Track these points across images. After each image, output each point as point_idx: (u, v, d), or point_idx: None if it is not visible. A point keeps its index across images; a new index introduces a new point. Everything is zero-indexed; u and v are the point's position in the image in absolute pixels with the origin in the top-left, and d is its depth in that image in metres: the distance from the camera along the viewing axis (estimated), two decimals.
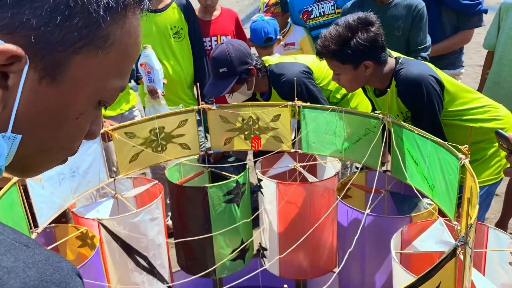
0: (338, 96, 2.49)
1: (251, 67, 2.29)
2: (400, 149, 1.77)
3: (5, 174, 0.55)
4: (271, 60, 2.45)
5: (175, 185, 2.16)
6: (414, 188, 1.71)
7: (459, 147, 1.40)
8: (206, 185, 2.06)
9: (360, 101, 2.51)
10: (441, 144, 1.51)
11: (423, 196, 1.72)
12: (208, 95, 2.27)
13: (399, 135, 1.77)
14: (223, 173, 2.24)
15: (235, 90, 2.34)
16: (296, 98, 2.06)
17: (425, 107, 1.89)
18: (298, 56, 2.55)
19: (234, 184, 2.07)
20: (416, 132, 1.65)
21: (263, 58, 2.46)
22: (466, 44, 3.11)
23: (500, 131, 1.16)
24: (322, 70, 2.38)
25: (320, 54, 1.96)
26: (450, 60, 3.09)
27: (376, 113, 1.88)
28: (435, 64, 2.08)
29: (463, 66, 3.19)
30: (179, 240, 2.12)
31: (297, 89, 2.06)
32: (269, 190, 2.07)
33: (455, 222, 1.45)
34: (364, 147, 1.90)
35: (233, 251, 2.16)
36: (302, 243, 1.99)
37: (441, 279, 1.01)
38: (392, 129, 1.80)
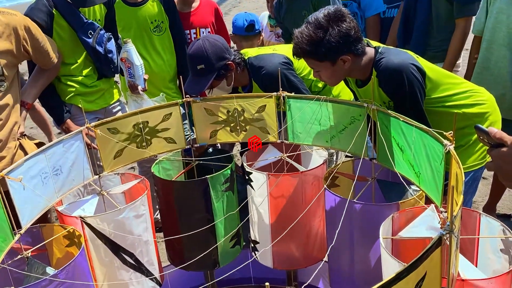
0: (320, 85, 2.48)
1: (229, 62, 2.26)
2: (386, 137, 1.76)
3: None
4: (250, 52, 2.41)
5: (169, 181, 2.14)
6: (400, 176, 1.71)
7: (444, 133, 1.40)
8: (207, 176, 2.02)
9: (342, 88, 2.50)
10: (426, 131, 1.51)
11: (410, 183, 1.72)
12: (188, 92, 2.25)
13: (384, 123, 1.76)
14: (213, 163, 2.22)
15: (215, 86, 2.32)
16: (281, 89, 2.04)
17: (407, 96, 1.88)
18: (276, 47, 2.52)
19: (230, 172, 2.07)
20: (401, 119, 1.64)
21: (242, 51, 2.43)
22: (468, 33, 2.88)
23: (479, 125, 1.14)
24: (302, 60, 2.37)
25: (296, 55, 1.96)
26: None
27: (361, 101, 1.87)
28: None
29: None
30: (178, 236, 2.08)
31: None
32: (259, 183, 2.05)
33: (442, 209, 1.45)
34: (350, 135, 1.90)
35: (232, 239, 2.15)
36: (295, 233, 1.99)
37: (427, 269, 1.01)
38: (377, 117, 1.80)
